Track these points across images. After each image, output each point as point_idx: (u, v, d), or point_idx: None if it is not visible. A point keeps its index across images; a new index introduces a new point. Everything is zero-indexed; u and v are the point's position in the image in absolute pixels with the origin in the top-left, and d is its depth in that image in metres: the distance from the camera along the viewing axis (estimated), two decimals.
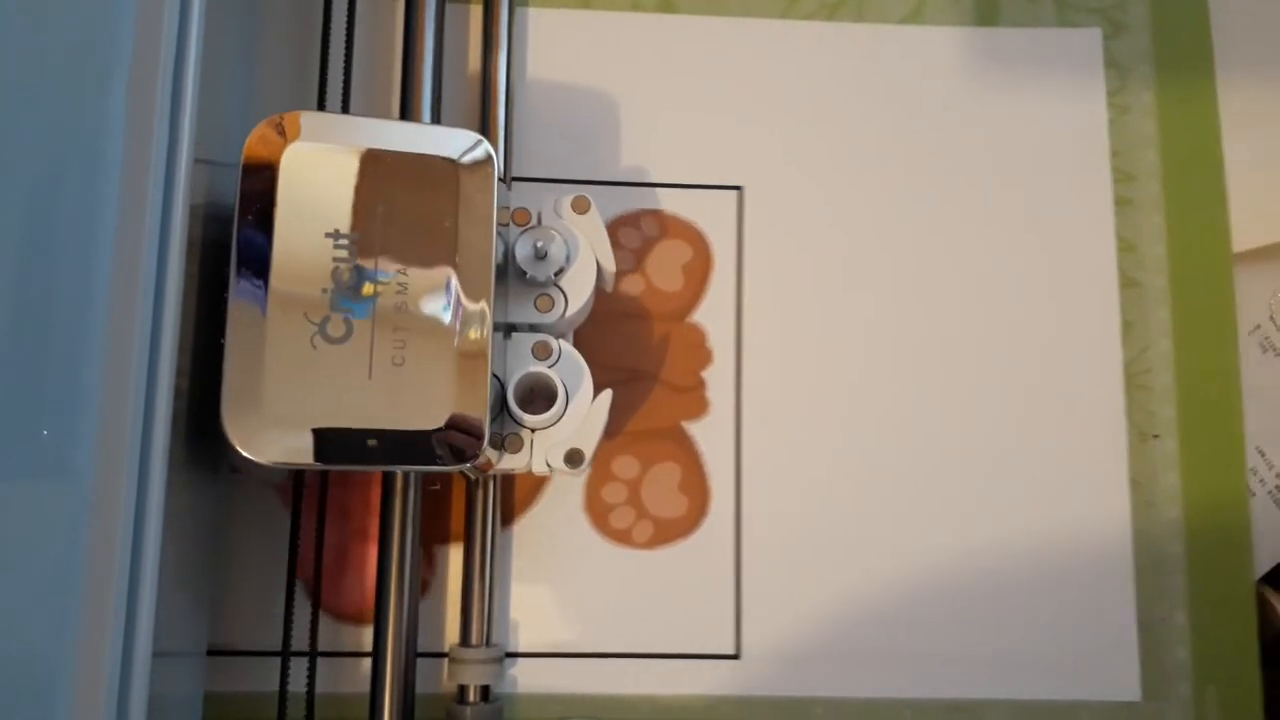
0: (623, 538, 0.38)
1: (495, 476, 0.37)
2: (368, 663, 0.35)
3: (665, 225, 0.40)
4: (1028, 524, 0.38)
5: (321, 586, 0.36)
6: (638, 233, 0.40)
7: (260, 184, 0.30)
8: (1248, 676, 0.38)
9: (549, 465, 0.33)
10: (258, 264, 0.29)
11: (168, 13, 0.28)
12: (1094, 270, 0.40)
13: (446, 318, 0.30)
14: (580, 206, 0.34)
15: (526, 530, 0.38)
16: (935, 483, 0.39)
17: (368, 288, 0.30)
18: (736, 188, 0.40)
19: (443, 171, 0.31)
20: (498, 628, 0.37)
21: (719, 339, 0.39)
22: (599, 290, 0.35)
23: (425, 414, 0.29)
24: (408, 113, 0.37)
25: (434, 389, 0.29)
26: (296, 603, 0.35)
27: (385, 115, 0.39)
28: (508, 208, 0.34)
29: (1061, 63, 0.42)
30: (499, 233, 0.32)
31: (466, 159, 0.31)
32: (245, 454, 0.28)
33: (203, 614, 0.35)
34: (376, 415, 0.29)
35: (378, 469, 0.35)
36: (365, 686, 0.35)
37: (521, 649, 0.37)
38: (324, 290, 0.29)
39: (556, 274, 0.34)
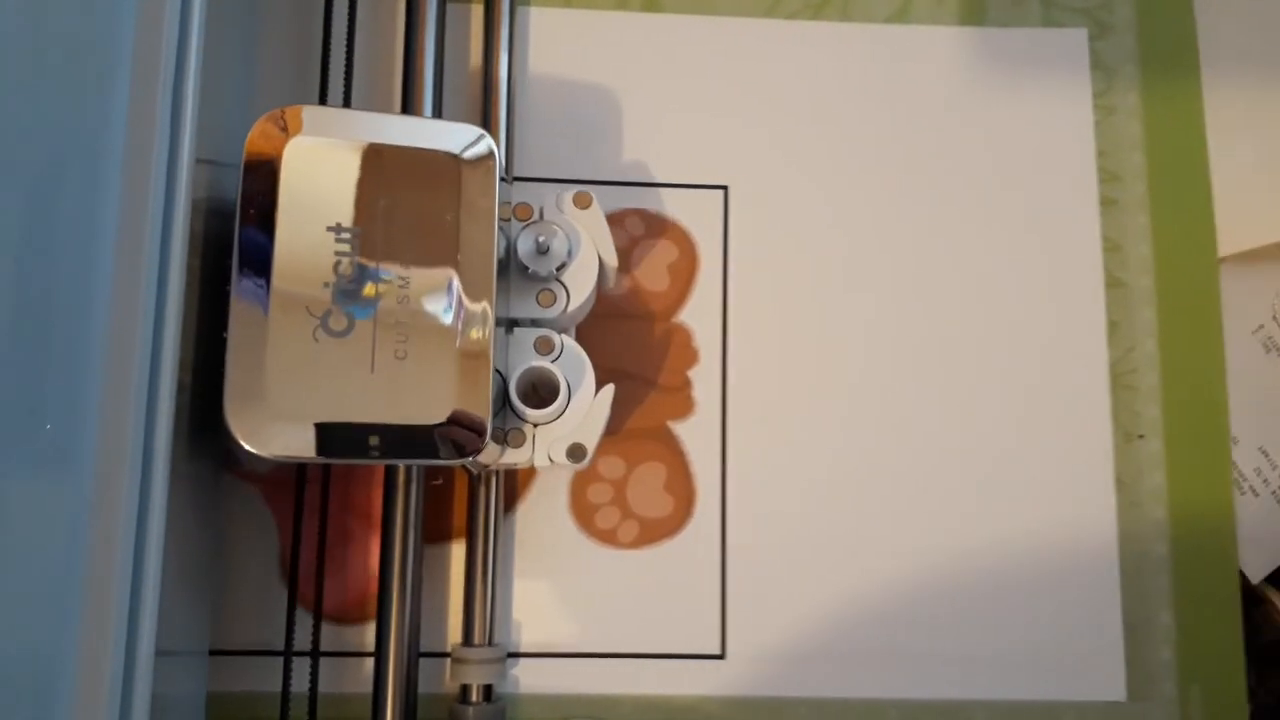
0: (608, 538, 0.38)
1: (498, 471, 0.37)
2: (370, 663, 0.35)
3: (651, 224, 0.40)
4: (1013, 524, 0.38)
5: (323, 587, 0.36)
6: (623, 232, 0.40)
7: (262, 179, 0.30)
8: (1232, 676, 0.38)
9: (551, 460, 0.33)
10: (259, 258, 0.29)
11: (169, 10, 0.28)
12: (1079, 271, 0.40)
13: (448, 319, 0.30)
14: (582, 202, 0.35)
15: (511, 530, 0.38)
16: (922, 484, 0.39)
17: (369, 289, 0.30)
18: (722, 187, 0.40)
19: (445, 166, 0.31)
20: (500, 627, 0.37)
21: (705, 339, 0.39)
22: (598, 290, 0.35)
23: (427, 408, 0.29)
24: (409, 113, 0.37)
25: (436, 384, 0.29)
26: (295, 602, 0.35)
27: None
28: (509, 203, 0.34)
29: (1047, 63, 0.42)
30: (501, 228, 0.32)
31: (468, 154, 0.31)
32: (248, 448, 0.28)
33: (205, 613, 0.35)
34: (379, 409, 0.29)
35: (380, 463, 0.35)
36: (368, 686, 0.35)
37: (519, 649, 0.37)
38: (326, 284, 0.29)
39: (558, 269, 0.34)
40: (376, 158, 0.30)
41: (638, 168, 0.40)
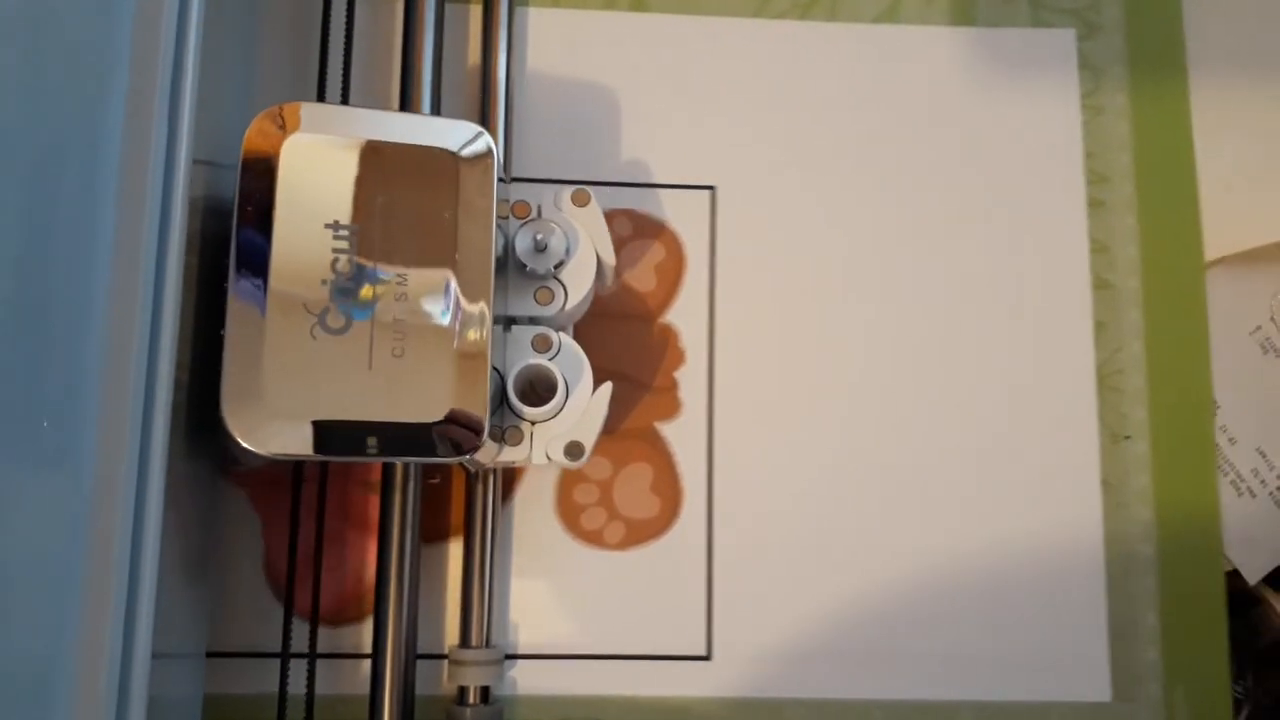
0: (594, 539, 0.38)
1: (495, 469, 0.36)
2: (367, 664, 0.35)
3: (638, 225, 0.40)
4: (999, 525, 0.38)
5: (319, 588, 0.36)
6: (611, 232, 0.39)
7: (260, 176, 0.29)
8: (1217, 677, 0.38)
9: (549, 458, 0.33)
10: (257, 256, 0.29)
11: (167, 8, 0.28)
12: (1067, 272, 0.40)
13: (446, 318, 0.30)
14: (580, 200, 0.34)
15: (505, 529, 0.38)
16: (908, 485, 0.39)
17: (367, 290, 0.29)
18: (709, 187, 0.40)
19: (443, 164, 0.31)
20: (497, 628, 0.37)
21: (691, 339, 0.39)
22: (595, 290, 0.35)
23: (425, 406, 0.29)
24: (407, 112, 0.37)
25: (434, 382, 0.29)
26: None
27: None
28: (507, 200, 0.34)
29: (1036, 64, 0.42)
30: (499, 225, 0.32)
31: (467, 152, 0.31)
32: (246, 445, 0.28)
33: (202, 615, 0.35)
34: (377, 407, 0.29)
35: (377, 460, 0.35)
36: (365, 688, 0.34)
37: (515, 650, 0.37)
38: (324, 282, 0.29)
39: (556, 267, 0.34)
40: (374, 155, 0.30)
41: (625, 168, 0.40)
